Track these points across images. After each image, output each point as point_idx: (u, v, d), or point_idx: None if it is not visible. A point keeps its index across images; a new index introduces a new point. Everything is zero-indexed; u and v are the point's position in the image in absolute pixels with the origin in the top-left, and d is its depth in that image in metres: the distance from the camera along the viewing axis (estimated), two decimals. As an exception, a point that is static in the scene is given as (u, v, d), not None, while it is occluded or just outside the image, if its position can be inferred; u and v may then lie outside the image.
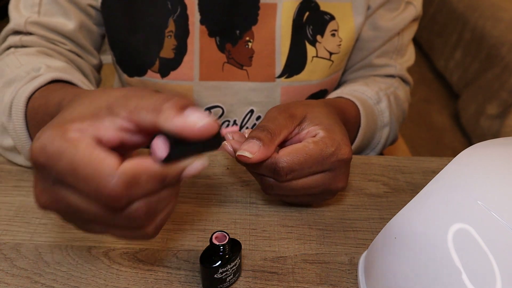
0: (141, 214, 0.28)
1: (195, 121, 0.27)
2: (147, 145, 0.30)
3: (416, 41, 2.14)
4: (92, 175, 0.25)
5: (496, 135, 1.69)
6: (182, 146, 0.27)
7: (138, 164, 0.26)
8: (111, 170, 0.25)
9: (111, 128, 0.28)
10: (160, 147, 0.27)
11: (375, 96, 0.59)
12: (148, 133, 0.29)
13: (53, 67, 0.49)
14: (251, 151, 0.37)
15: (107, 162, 0.26)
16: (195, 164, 0.29)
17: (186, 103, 0.28)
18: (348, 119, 0.52)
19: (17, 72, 0.47)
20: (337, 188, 0.42)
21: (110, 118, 0.28)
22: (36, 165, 0.27)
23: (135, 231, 0.29)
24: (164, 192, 0.29)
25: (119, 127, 0.28)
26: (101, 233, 0.30)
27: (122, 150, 0.29)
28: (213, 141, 0.29)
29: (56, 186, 0.27)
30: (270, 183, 0.40)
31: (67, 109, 0.30)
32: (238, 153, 0.37)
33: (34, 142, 0.27)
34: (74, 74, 0.48)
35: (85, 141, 0.26)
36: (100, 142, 0.27)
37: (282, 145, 0.41)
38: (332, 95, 0.59)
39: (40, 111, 0.41)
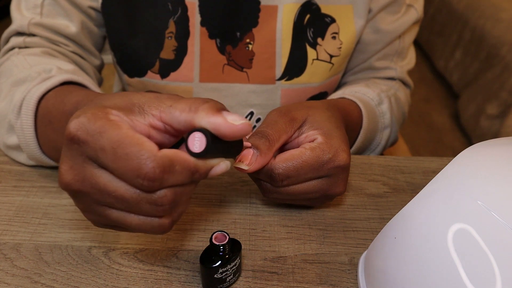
0: (166, 202, 0.29)
1: (235, 119, 0.29)
2: (171, 145, 0.32)
3: (416, 41, 2.15)
4: (133, 153, 0.27)
5: (496, 135, 1.69)
6: (217, 144, 0.29)
7: (176, 153, 0.28)
8: (152, 152, 0.27)
9: (142, 123, 0.30)
10: (197, 141, 0.29)
11: (377, 97, 0.60)
12: (175, 134, 0.31)
13: (64, 69, 0.49)
14: (247, 162, 0.37)
15: (149, 144, 0.27)
16: (221, 165, 0.31)
17: (222, 106, 0.30)
18: (350, 120, 0.52)
19: (28, 73, 0.47)
20: (335, 194, 0.42)
21: (142, 115, 0.30)
22: (73, 141, 0.28)
23: (154, 221, 0.30)
24: (189, 186, 0.30)
25: (149, 123, 0.30)
26: (115, 222, 0.30)
27: None
28: (237, 147, 0.33)
29: (88, 163, 0.28)
30: (267, 188, 0.40)
31: (102, 98, 0.31)
32: (234, 164, 0.38)
33: (73, 119, 0.28)
34: (84, 77, 0.48)
35: (127, 124, 0.28)
36: None
37: (281, 148, 0.41)
38: (334, 96, 0.59)
39: (55, 110, 0.41)
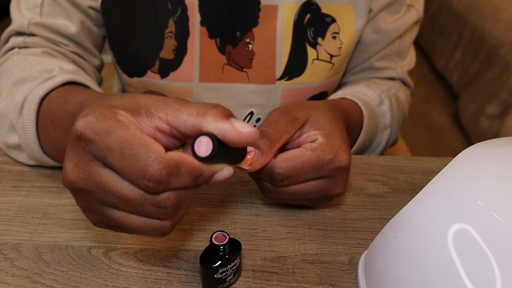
0: (170, 204, 0.29)
1: (243, 127, 0.29)
2: (175, 149, 0.32)
3: (416, 41, 2.15)
4: (140, 155, 0.27)
5: (496, 135, 1.69)
6: (222, 150, 0.29)
7: (182, 156, 0.28)
8: (159, 154, 0.27)
9: (149, 125, 0.30)
10: (203, 146, 0.29)
11: (377, 98, 0.60)
12: (180, 138, 0.31)
13: (65, 69, 0.49)
14: (249, 162, 0.37)
15: (156, 146, 0.28)
16: (225, 170, 0.31)
17: (229, 112, 0.30)
18: (351, 120, 0.52)
19: (29, 72, 0.47)
20: (335, 194, 0.41)
21: (148, 117, 0.30)
22: (80, 139, 0.28)
23: (155, 223, 0.30)
24: (192, 190, 0.30)
25: (155, 126, 0.30)
26: (116, 223, 0.30)
27: None
28: (241, 153, 0.33)
29: (93, 162, 0.28)
30: (267, 187, 0.40)
31: (108, 99, 0.31)
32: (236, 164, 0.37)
33: (80, 118, 0.28)
34: (85, 77, 0.49)
35: (134, 125, 0.28)
36: None
37: (281, 148, 0.41)
38: (335, 96, 0.59)
39: (57, 110, 0.41)
